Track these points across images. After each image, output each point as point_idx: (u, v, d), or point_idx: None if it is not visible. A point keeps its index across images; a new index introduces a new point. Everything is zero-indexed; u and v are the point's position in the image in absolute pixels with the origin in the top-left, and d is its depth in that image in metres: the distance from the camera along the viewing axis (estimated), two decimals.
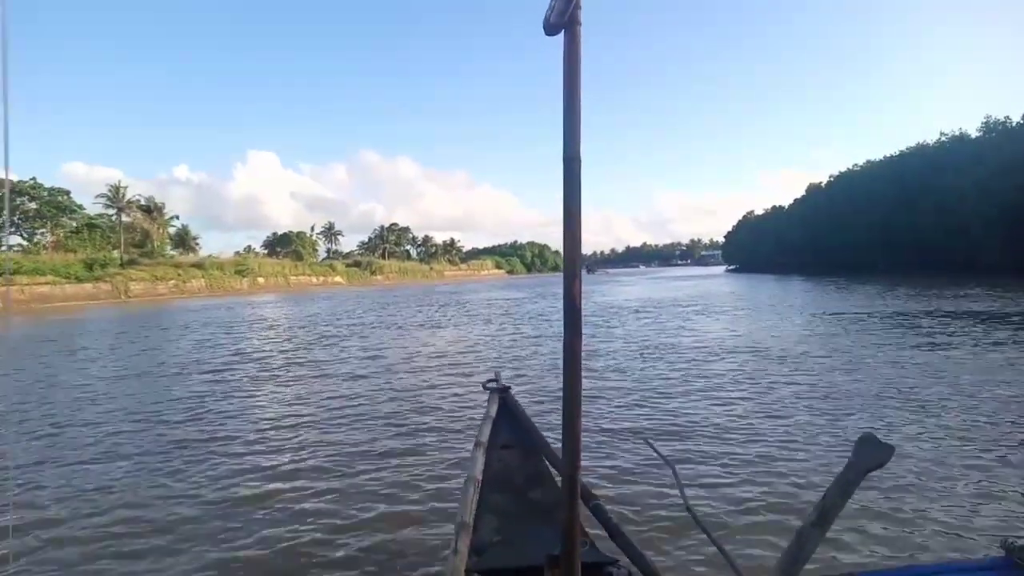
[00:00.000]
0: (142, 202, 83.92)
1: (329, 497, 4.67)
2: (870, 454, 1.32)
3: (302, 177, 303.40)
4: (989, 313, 16.73)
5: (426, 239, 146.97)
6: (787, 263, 75.43)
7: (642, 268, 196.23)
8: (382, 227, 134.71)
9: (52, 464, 5.70)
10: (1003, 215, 37.56)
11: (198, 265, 74.63)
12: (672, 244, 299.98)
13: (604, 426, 6.43)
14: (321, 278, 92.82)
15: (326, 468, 5.36)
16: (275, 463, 5.57)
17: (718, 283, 50.87)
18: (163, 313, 33.71)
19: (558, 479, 2.49)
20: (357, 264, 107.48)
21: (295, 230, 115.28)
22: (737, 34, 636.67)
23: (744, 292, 33.99)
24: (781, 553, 1.37)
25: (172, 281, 67.32)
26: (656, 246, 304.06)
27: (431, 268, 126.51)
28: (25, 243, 69.47)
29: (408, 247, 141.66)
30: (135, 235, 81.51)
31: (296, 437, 6.49)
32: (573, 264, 1.30)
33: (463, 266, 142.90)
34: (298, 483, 4.99)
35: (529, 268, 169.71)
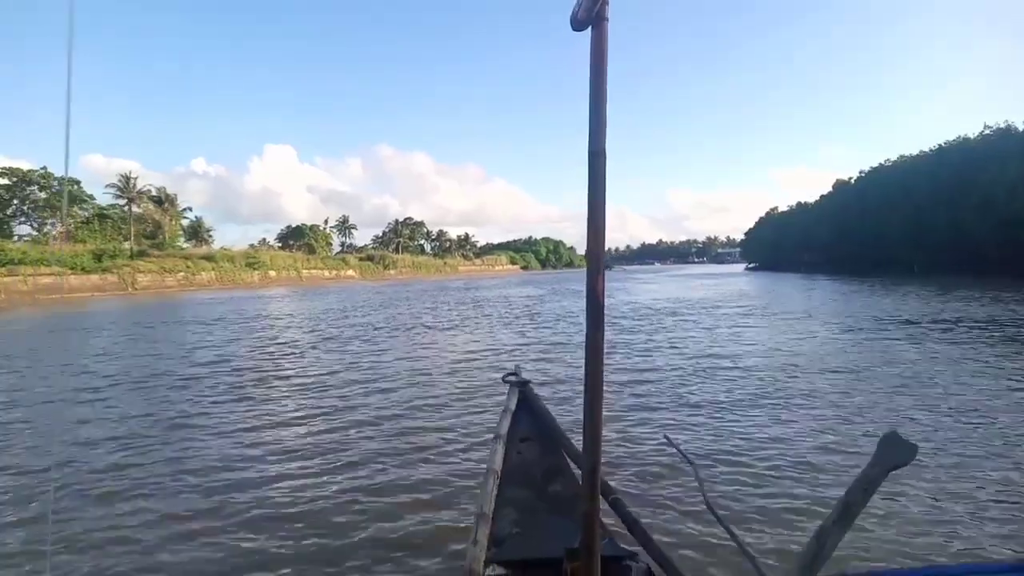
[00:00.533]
0: (153, 192, 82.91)
1: (348, 486, 4.73)
2: (893, 453, 1.30)
3: (318, 171, 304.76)
4: None
5: (440, 234, 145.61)
6: (813, 262, 72.77)
7: (658, 265, 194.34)
8: (396, 221, 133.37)
9: None
10: None
11: (208, 257, 73.24)
12: (688, 241, 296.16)
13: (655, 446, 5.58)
14: (334, 272, 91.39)
15: (342, 461, 5.37)
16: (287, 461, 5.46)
17: (744, 281, 48.49)
18: (162, 307, 32.13)
19: (577, 473, 2.67)
20: (370, 258, 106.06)
21: (309, 223, 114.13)
22: (749, 34, 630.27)
23: (782, 292, 31.66)
24: (801, 549, 1.36)
25: (181, 273, 65.96)
26: (672, 243, 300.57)
27: (445, 263, 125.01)
28: (35, 233, 68.71)
29: (422, 241, 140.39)
30: (147, 226, 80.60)
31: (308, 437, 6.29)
32: (597, 260, 1.31)
33: (477, 261, 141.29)
34: (317, 469, 5.16)
35: (543, 264, 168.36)
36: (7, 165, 67.96)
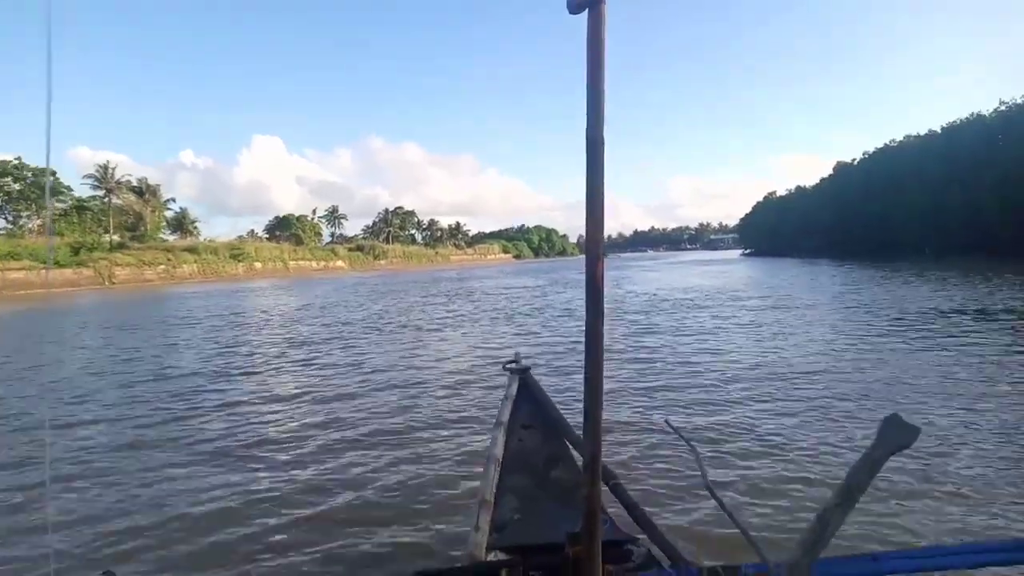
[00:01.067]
0: (134, 183, 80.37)
1: (350, 472, 4.72)
2: (896, 435, 1.28)
3: (308, 162, 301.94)
4: None
5: (431, 223, 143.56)
6: (814, 247, 70.73)
7: (650, 252, 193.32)
8: (386, 211, 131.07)
9: None
10: None
11: (191, 249, 70.84)
12: (680, 228, 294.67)
13: None
14: (322, 263, 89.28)
15: (343, 445, 5.39)
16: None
17: (747, 268, 46.48)
18: (132, 303, 29.93)
19: (578, 459, 2.59)
20: (360, 248, 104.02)
21: (298, 214, 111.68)
22: (747, 21, 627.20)
23: (791, 279, 29.59)
24: (803, 531, 1.35)
25: (161, 266, 63.60)
26: (664, 230, 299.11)
27: (436, 252, 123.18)
28: (10, 227, 66.05)
29: (413, 231, 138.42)
30: (128, 218, 78.19)
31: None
32: (596, 246, 1.30)
33: (469, 251, 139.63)
34: (319, 454, 5.14)
35: (536, 252, 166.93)
36: None
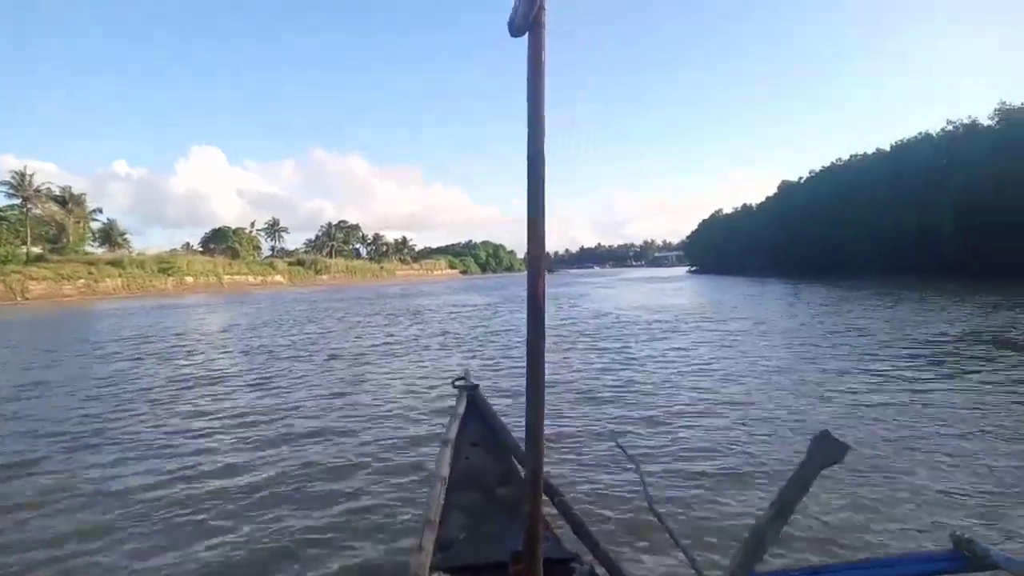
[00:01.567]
0: (56, 192, 75.11)
1: (288, 494, 4.53)
2: (826, 451, 1.33)
3: (249, 174, 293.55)
4: None
5: (376, 237, 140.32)
6: (760, 265, 70.96)
7: (597, 269, 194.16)
8: (329, 224, 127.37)
9: None
10: None
11: (115, 263, 66.14)
12: (625, 245, 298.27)
13: None
14: (260, 278, 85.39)
15: (280, 471, 5.03)
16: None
17: (700, 286, 45.42)
18: (34, 323, 26.61)
19: None
20: (301, 263, 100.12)
21: (235, 227, 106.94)
22: (697, 34, 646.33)
23: (752, 300, 28.62)
24: (738, 547, 1.37)
25: (81, 280, 58.93)
26: (610, 247, 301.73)
27: (381, 267, 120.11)
28: None
29: (358, 245, 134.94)
30: (49, 229, 72.91)
31: None
32: (538, 262, 1.30)
33: (415, 266, 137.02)
34: (252, 483, 4.79)
35: (484, 268, 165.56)
36: None
